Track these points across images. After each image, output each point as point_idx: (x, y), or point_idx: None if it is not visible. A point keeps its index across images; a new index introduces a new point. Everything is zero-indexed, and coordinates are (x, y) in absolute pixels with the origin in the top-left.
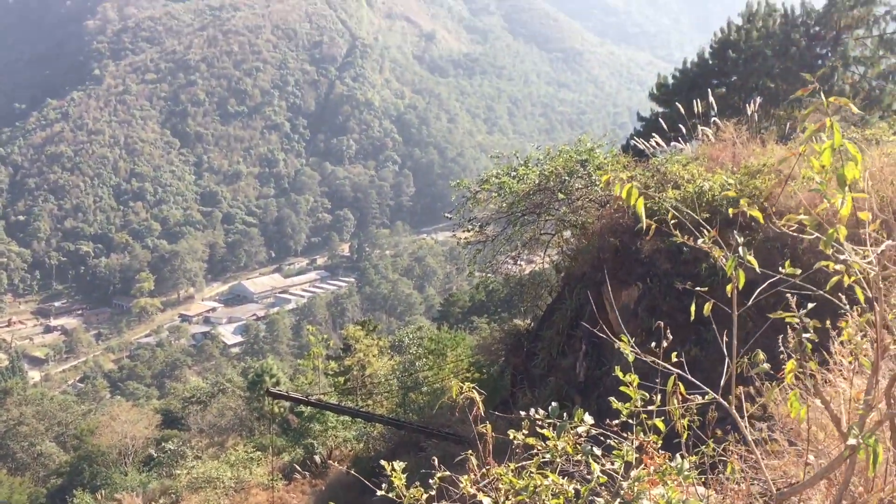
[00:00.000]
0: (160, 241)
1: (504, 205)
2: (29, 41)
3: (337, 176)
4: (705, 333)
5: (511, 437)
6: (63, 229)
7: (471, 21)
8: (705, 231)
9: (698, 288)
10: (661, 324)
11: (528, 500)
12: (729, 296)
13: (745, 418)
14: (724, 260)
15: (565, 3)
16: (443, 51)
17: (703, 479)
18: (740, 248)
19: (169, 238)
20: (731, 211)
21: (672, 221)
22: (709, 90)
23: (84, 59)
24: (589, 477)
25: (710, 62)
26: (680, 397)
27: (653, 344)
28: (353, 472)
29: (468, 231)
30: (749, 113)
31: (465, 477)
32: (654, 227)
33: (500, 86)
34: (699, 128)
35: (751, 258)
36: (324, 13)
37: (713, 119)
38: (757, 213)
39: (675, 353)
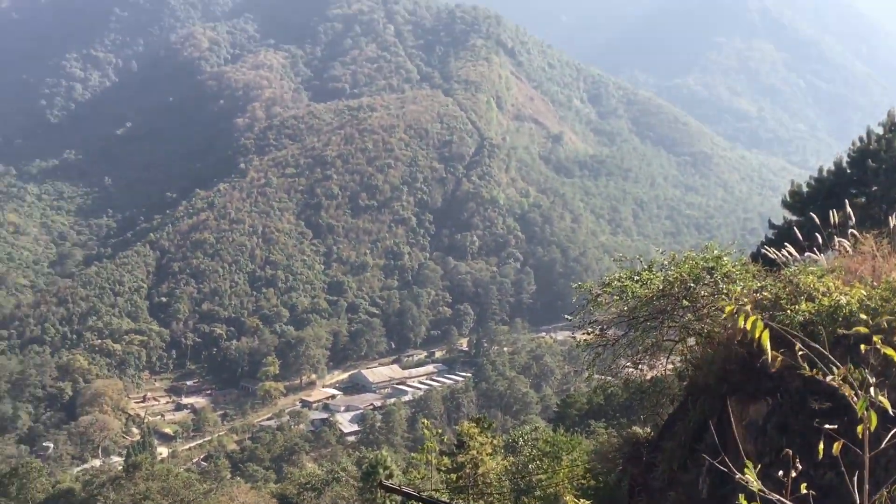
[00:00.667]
0: (288, 328)
1: (626, 308)
2: (184, 137)
3: (459, 271)
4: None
5: None
6: (200, 311)
7: (598, 124)
8: (835, 356)
9: (832, 406)
10: (790, 452)
11: None
12: (860, 437)
13: None
14: (854, 400)
15: (694, 107)
16: (569, 152)
17: None
18: (872, 389)
19: (296, 324)
20: (863, 347)
21: (800, 353)
22: (846, 200)
23: (232, 154)
24: None
25: (848, 171)
26: None
27: (780, 472)
28: None
29: (588, 333)
30: (891, 225)
31: None
32: (780, 359)
33: (625, 187)
34: (835, 239)
35: (883, 399)
36: (455, 114)
37: (851, 230)
38: (890, 352)
39: (804, 485)
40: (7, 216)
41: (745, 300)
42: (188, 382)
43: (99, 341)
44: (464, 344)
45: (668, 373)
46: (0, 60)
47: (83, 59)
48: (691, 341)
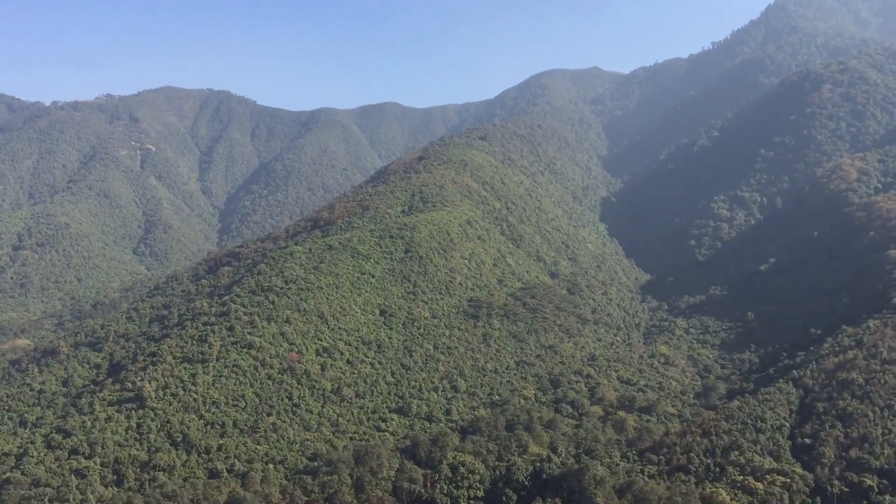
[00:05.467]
0: None
1: None
2: (829, 270)
3: None
4: None
5: None
6: (847, 458)
7: None
8: None
9: None
10: None
11: None
12: None
13: None
14: None
15: None
16: None
17: None
18: None
19: None
20: None
21: None
22: None
23: (882, 288)
24: None
25: None
26: None
27: None
28: None
29: None
30: None
31: None
32: None
33: None
34: None
35: None
36: None
37: None
38: None
39: None
40: (659, 347)
41: None
42: None
43: (741, 477)
44: None
45: None
46: (658, 207)
47: (729, 200)
48: None
